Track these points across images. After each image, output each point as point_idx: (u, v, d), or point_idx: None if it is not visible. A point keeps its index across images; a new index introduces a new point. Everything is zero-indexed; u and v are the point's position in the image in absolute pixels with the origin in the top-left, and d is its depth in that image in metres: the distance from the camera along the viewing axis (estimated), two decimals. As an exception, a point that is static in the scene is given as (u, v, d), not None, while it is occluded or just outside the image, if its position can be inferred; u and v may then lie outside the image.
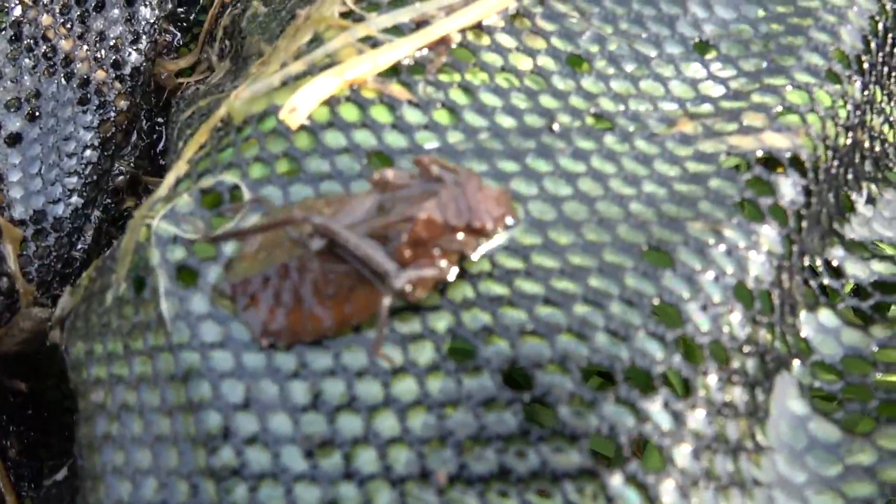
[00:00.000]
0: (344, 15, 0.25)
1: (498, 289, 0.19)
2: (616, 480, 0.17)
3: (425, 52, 0.23)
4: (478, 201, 0.19)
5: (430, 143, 0.21)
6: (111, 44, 0.36)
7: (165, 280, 0.21)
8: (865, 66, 0.24)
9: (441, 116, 0.22)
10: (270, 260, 0.20)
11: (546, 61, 0.24)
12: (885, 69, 0.27)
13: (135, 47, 0.37)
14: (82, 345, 0.23)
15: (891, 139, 0.28)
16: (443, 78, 0.23)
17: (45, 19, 0.36)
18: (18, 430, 0.33)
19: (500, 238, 0.19)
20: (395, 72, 0.23)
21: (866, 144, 0.25)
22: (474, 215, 0.19)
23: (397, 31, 0.24)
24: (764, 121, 0.22)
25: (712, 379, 0.19)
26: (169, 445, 0.19)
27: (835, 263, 0.23)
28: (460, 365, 0.18)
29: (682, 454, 0.17)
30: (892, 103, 0.28)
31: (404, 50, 0.23)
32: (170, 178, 0.24)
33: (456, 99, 0.22)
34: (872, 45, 0.25)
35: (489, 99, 0.23)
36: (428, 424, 0.17)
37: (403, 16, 0.24)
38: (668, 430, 0.17)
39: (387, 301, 0.18)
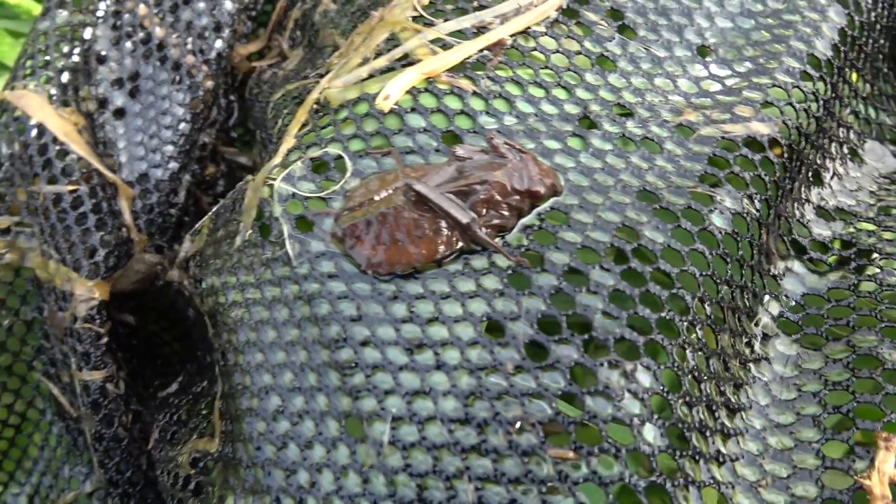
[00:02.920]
0: (415, 19, 0.32)
1: (547, 238, 0.25)
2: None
3: (485, 52, 0.29)
4: (534, 172, 0.25)
5: (491, 125, 0.28)
6: (198, 32, 0.42)
7: (288, 227, 0.27)
8: (834, 68, 0.30)
9: (499, 104, 0.28)
10: (371, 210, 0.26)
11: (581, 60, 0.30)
12: (852, 70, 0.33)
13: (218, 35, 0.43)
14: (216, 278, 0.29)
15: (855, 126, 0.34)
16: (499, 73, 0.29)
17: (142, 9, 0.42)
18: (127, 356, 0.39)
19: (550, 202, 0.26)
20: (462, 68, 0.29)
21: (833, 131, 0.32)
22: (532, 182, 0.25)
23: (461, 34, 0.30)
24: (751, 112, 0.29)
25: (708, 308, 0.25)
26: (299, 348, 0.25)
27: (804, 223, 0.29)
28: (519, 291, 0.24)
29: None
30: (857, 97, 0.34)
31: (469, 50, 0.29)
32: (282, 149, 0.30)
33: (510, 90, 0.28)
34: (841, 51, 0.31)
35: (535, 91, 0.29)
36: (496, 331, 0.24)
37: (466, 22, 0.30)
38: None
39: (481, 235, 0.25)
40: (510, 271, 0.25)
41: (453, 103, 0.28)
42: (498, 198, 0.25)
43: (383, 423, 0.24)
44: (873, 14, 0.33)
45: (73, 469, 0.38)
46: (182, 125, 0.41)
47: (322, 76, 0.35)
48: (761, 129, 0.28)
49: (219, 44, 0.43)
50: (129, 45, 0.41)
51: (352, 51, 0.34)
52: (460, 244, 0.25)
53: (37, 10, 0.49)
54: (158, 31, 0.42)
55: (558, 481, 0.23)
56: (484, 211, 0.25)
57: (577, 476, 0.23)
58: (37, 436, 0.39)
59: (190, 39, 0.42)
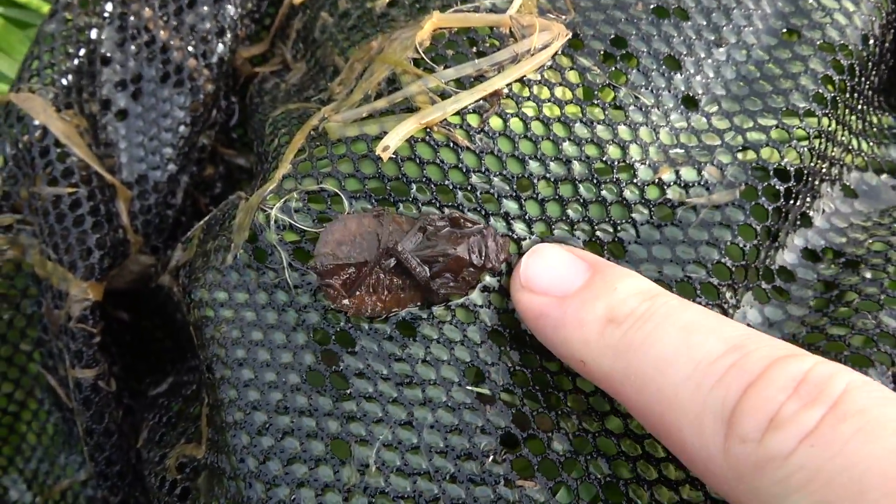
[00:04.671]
0: (415, 61, 0.33)
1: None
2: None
3: (481, 102, 0.31)
4: (491, 249, 0.28)
5: (481, 184, 0.29)
6: (201, 36, 0.43)
7: (286, 256, 0.29)
8: (825, 122, 0.32)
9: (490, 162, 0.30)
10: (353, 256, 0.28)
11: (571, 109, 0.32)
12: (846, 112, 0.34)
13: (220, 39, 0.43)
14: (205, 292, 0.31)
15: (848, 162, 0.35)
16: (493, 124, 0.30)
17: (147, 12, 0.43)
18: (120, 352, 0.41)
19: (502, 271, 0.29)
20: (458, 117, 0.30)
21: (825, 171, 0.33)
22: (488, 260, 0.28)
23: (459, 83, 0.31)
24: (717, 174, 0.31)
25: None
26: (291, 372, 0.28)
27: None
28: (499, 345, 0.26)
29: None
30: (851, 137, 0.35)
31: (466, 101, 0.30)
32: (277, 175, 0.31)
33: (502, 147, 0.30)
34: (834, 102, 0.32)
35: (525, 146, 0.30)
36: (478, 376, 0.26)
37: (465, 70, 0.31)
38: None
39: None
40: (490, 328, 0.28)
41: (448, 157, 0.29)
42: (456, 270, 0.28)
43: (370, 448, 0.27)
44: (865, 53, 0.34)
45: (69, 457, 0.40)
46: (182, 128, 0.42)
47: (323, 102, 0.36)
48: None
49: (221, 48, 0.43)
50: (133, 47, 0.42)
51: (352, 79, 0.36)
52: (420, 302, 0.28)
53: (43, 5, 0.49)
54: (162, 34, 0.43)
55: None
56: (443, 277, 0.28)
57: (542, 501, 0.26)
58: (35, 424, 0.40)
59: (193, 43, 0.43)
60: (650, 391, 0.23)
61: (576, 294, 0.26)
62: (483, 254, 0.28)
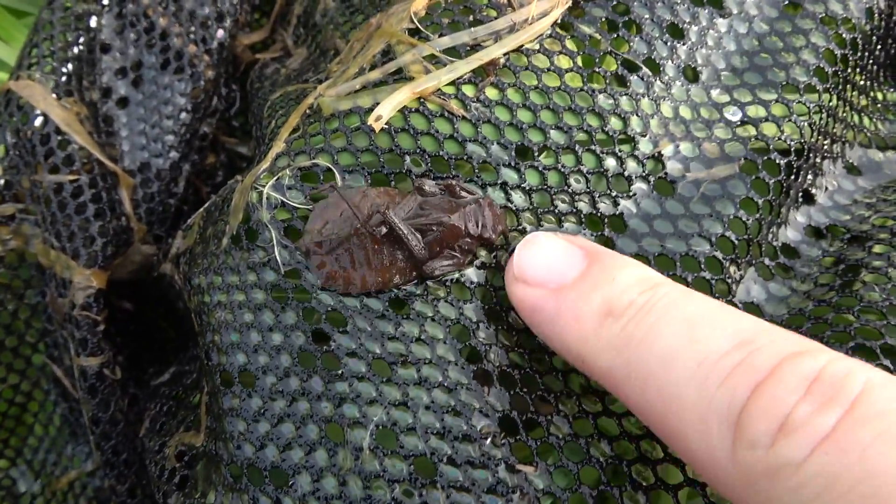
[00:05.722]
0: (411, 31, 0.32)
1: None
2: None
3: (477, 71, 0.30)
4: (488, 218, 0.27)
5: (477, 153, 0.28)
6: (200, 21, 0.43)
7: (277, 234, 0.28)
8: (826, 98, 0.31)
9: (487, 131, 0.29)
10: (336, 232, 0.27)
11: (572, 78, 0.31)
12: (848, 88, 0.33)
13: (220, 25, 0.43)
14: (203, 277, 0.30)
15: (851, 138, 0.34)
16: (490, 94, 0.29)
17: (146, -1, 0.42)
18: (124, 341, 0.41)
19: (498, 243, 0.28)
20: (453, 87, 0.30)
21: (826, 147, 0.32)
22: (485, 229, 0.27)
23: (455, 52, 0.30)
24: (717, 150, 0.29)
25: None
26: (284, 353, 0.27)
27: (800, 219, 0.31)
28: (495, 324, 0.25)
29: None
30: (853, 113, 0.34)
31: (461, 70, 0.29)
32: (271, 154, 0.31)
33: (499, 115, 0.29)
34: (836, 77, 0.31)
35: (524, 115, 0.29)
36: (474, 356, 0.25)
37: (460, 38, 0.30)
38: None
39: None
40: (488, 307, 0.27)
41: (443, 127, 0.28)
42: (451, 240, 0.26)
43: (364, 430, 0.26)
44: (868, 27, 0.33)
45: (76, 448, 0.40)
46: (183, 115, 0.42)
47: (321, 81, 0.35)
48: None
49: (220, 34, 0.43)
50: (132, 34, 0.42)
51: (350, 58, 0.35)
52: (413, 276, 0.27)
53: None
54: (161, 21, 0.42)
55: (522, 492, 0.25)
56: (437, 249, 0.27)
57: (540, 486, 0.25)
58: (42, 415, 0.40)
59: (192, 29, 0.43)
60: (652, 390, 0.21)
61: (572, 285, 0.24)
62: (480, 223, 0.27)
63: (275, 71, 0.41)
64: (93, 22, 0.41)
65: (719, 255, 0.28)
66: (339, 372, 0.26)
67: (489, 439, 0.26)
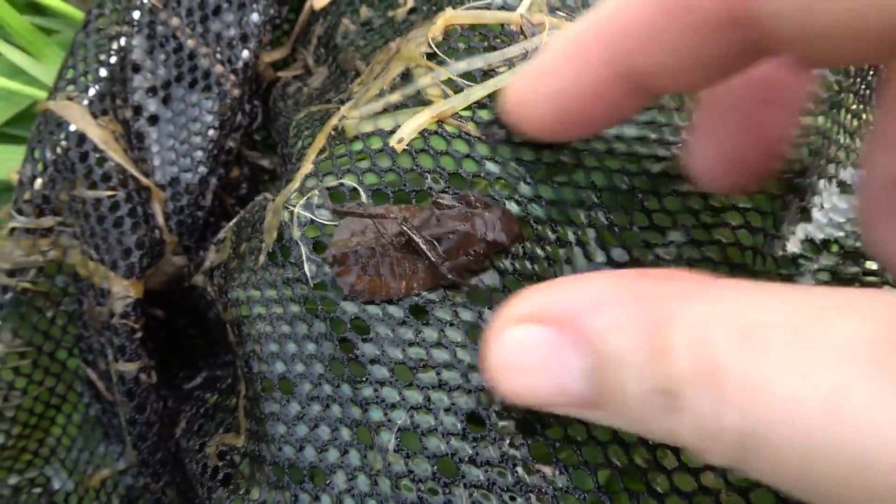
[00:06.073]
0: (429, 56, 0.34)
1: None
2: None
3: (491, 96, 0.32)
4: (500, 225, 0.29)
5: (494, 171, 0.31)
6: (227, 42, 0.45)
7: (306, 250, 0.30)
8: (821, 121, 0.33)
9: (503, 151, 0.31)
10: (360, 244, 0.30)
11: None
12: (842, 112, 0.35)
13: (245, 46, 0.45)
14: (241, 291, 0.33)
15: (843, 159, 0.36)
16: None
17: (174, 21, 0.45)
18: (155, 347, 0.43)
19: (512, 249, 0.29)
20: (469, 110, 0.32)
21: (821, 167, 0.34)
22: (497, 234, 0.29)
23: (470, 76, 0.32)
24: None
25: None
26: (317, 361, 0.29)
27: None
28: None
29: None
30: (846, 135, 0.36)
31: (476, 95, 0.31)
32: (300, 174, 0.33)
33: (514, 138, 0.31)
34: (829, 101, 0.33)
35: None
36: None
37: (475, 64, 0.33)
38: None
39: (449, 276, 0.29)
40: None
41: (461, 147, 0.31)
42: (466, 246, 0.28)
43: (389, 432, 0.28)
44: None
45: (108, 448, 0.42)
46: (211, 131, 0.44)
47: (343, 102, 0.38)
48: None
49: (245, 54, 0.45)
50: (162, 54, 0.44)
51: (371, 80, 0.37)
52: (433, 284, 0.29)
53: (72, 10, 0.52)
54: (190, 42, 0.44)
55: (541, 492, 0.27)
56: (454, 256, 0.29)
57: (560, 485, 0.27)
58: (75, 416, 0.42)
59: (219, 49, 0.45)
60: None
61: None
62: (495, 228, 0.29)
63: (297, 90, 0.43)
64: (124, 42, 0.43)
65: (730, 261, 0.30)
66: (365, 378, 0.28)
67: (508, 440, 0.28)
